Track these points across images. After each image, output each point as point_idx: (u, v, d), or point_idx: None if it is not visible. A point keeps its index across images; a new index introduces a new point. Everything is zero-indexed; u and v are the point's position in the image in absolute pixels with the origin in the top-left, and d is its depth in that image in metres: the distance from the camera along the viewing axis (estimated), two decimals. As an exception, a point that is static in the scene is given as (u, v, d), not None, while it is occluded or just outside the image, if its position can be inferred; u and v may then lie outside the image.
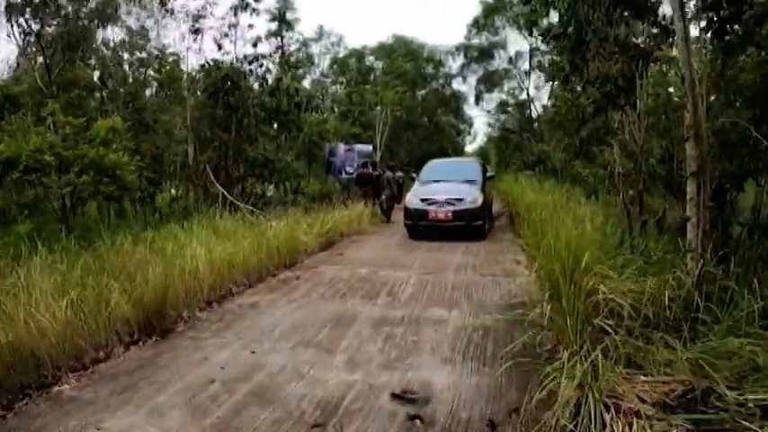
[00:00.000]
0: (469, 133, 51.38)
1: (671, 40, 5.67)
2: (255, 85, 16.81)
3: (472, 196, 11.55)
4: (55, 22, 16.50)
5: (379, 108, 23.96)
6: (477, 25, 33.22)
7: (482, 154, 54.11)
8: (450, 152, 42.76)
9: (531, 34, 8.42)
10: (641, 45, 5.49)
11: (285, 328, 5.60)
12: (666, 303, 4.16)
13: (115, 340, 5.29)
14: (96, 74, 19.40)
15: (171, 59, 19.21)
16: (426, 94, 38.81)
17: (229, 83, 15.41)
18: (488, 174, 13.98)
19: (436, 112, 38.43)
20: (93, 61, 19.18)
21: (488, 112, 38.93)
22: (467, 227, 11.31)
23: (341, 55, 39.20)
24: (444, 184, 12.36)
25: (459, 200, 11.46)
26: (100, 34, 20.05)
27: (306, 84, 38.26)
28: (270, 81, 17.16)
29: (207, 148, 15.50)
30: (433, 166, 14.51)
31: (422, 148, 35.89)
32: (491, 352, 4.66)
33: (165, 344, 5.38)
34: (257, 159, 14.87)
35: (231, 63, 16.61)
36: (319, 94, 37.67)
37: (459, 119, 44.56)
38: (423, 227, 11.76)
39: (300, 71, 37.87)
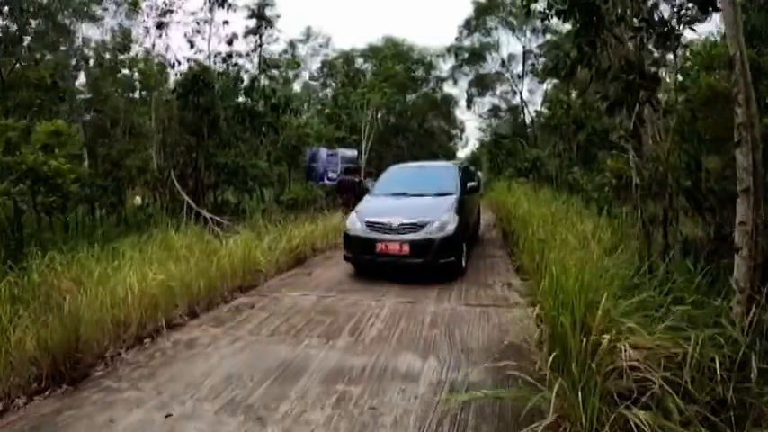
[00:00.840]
0: (461, 138, 50.40)
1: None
2: (230, 85, 15.68)
3: (441, 220, 8.00)
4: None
5: (365, 111, 22.80)
6: (469, 26, 32.19)
7: (474, 160, 53.14)
8: (441, 157, 41.72)
9: (528, 14, 6.83)
10: (671, 21, 4.32)
11: (217, 381, 4.42)
12: (716, 370, 3.01)
13: (19, 387, 4.31)
14: (81, 74, 18.50)
15: (157, 61, 17.96)
16: (417, 98, 37.71)
17: (200, 82, 14.27)
18: (472, 183, 10.47)
19: (427, 117, 37.30)
20: (74, 61, 18.06)
21: (480, 116, 37.93)
22: (432, 265, 7.83)
23: (329, 56, 38.15)
24: (405, 200, 9.03)
25: (422, 225, 7.91)
26: (81, 32, 19.07)
27: (296, 87, 37.21)
28: (246, 81, 16.04)
29: (175, 153, 14.36)
30: (395, 172, 10.89)
31: (411, 153, 34.70)
32: (473, 430, 3.47)
33: (74, 395, 4.29)
34: (228, 165, 13.68)
35: (202, 62, 15.51)
36: (308, 97, 36.60)
37: (450, 123, 43.51)
38: (369, 263, 8.35)
39: (291, 73, 36.82)
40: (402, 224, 7.97)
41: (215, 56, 15.76)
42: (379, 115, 22.81)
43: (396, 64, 33.83)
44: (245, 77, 17.05)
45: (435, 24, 68.09)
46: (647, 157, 4.66)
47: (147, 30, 15.20)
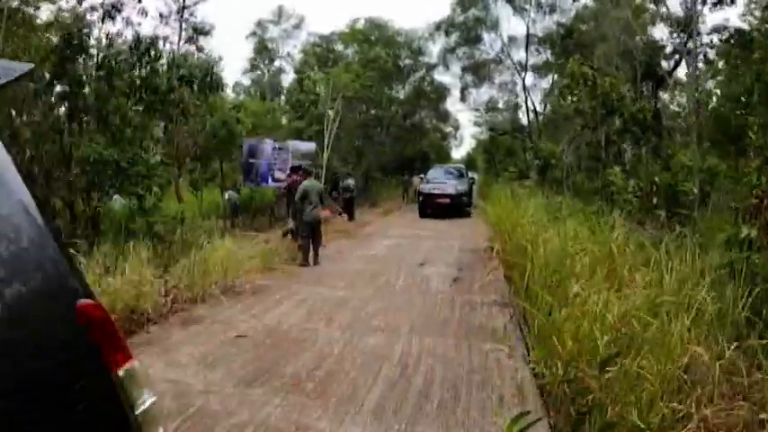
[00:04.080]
0: (455, 137, 45.63)
1: None
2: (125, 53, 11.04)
3: None
4: None
5: (328, 94, 18.13)
6: (463, 2, 27.21)
7: (469, 161, 48.45)
8: (432, 158, 37.35)
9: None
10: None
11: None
12: None
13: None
14: None
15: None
16: (407, 90, 32.67)
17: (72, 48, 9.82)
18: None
19: (415, 108, 32.38)
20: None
21: (476, 110, 33.06)
22: None
23: (301, 38, 33.42)
24: None
25: None
26: None
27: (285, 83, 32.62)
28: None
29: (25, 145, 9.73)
30: None
31: (395, 150, 29.96)
32: None
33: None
34: (96, 161, 8.95)
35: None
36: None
37: (442, 118, 38.65)
38: None
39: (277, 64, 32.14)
40: None
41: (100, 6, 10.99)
42: (341, 99, 17.97)
43: (381, 48, 28.97)
44: (163, 46, 12.46)
45: (425, 6, 61.76)
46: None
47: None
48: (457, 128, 44.04)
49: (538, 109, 29.33)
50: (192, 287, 6.49)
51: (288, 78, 33.63)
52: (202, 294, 6.47)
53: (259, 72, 34.82)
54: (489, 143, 37.67)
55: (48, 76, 10.13)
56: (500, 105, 32.25)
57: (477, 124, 34.30)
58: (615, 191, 10.14)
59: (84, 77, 10.19)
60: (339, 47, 32.20)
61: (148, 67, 10.79)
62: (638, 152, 13.53)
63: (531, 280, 5.08)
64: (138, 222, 9.00)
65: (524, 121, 30.49)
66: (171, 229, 9.25)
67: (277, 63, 34.48)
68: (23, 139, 9.35)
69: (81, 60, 10.27)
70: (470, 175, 20.58)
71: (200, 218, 14.53)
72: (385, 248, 11.06)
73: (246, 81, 35.09)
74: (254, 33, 32.86)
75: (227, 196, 15.18)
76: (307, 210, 9.22)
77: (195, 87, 11.57)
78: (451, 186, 17.86)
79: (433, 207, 17.28)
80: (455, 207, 17.25)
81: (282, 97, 30.79)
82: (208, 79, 11.62)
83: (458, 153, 52.69)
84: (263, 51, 32.36)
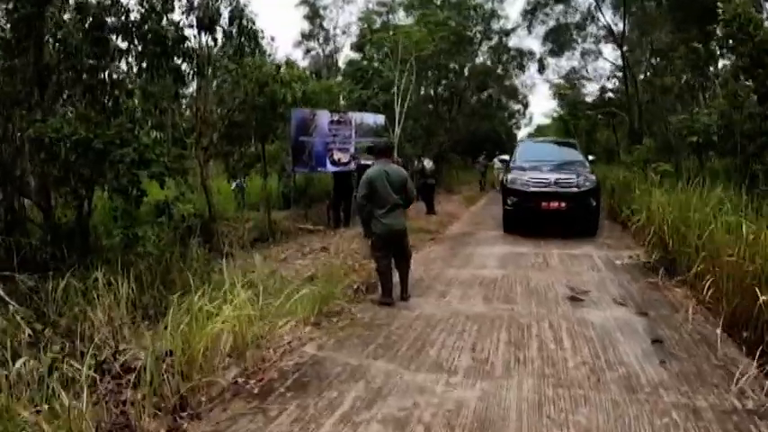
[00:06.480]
0: (524, 114, 41.46)
1: None
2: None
3: None
4: None
5: (397, 56, 14.57)
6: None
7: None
8: (502, 136, 33.79)
9: None
10: None
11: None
12: None
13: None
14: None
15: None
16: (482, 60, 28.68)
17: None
18: None
19: (487, 82, 28.32)
20: None
21: (556, 83, 28.83)
22: None
23: (358, 3, 30.16)
24: None
25: None
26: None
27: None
28: None
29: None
30: None
31: (468, 129, 26.15)
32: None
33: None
34: (54, 142, 5.79)
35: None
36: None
37: (512, 97, 34.53)
38: None
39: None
40: None
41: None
42: (413, 62, 14.41)
43: (448, 12, 25.10)
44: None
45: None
46: None
47: None
48: (526, 105, 40.02)
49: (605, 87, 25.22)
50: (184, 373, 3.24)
51: (346, 55, 30.62)
52: (197, 393, 3.21)
53: (314, 52, 31.86)
54: (569, 121, 33.28)
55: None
56: (585, 75, 28.04)
57: (560, 95, 29.87)
58: None
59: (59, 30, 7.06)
60: (401, 15, 28.47)
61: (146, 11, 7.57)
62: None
63: None
64: (115, 235, 5.75)
65: (609, 95, 26.13)
66: (170, 242, 6.00)
67: (332, 42, 31.60)
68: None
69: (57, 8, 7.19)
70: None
71: (246, 211, 11.49)
72: (496, 262, 7.43)
73: (298, 54, 32.22)
74: (304, 1, 29.67)
75: (233, 185, 12.51)
76: (377, 214, 5.39)
77: (218, 37, 8.33)
78: (570, 177, 9.42)
79: (532, 216, 9.52)
80: (576, 214, 9.32)
81: (339, 77, 27.60)
82: (236, 27, 8.32)
83: (523, 132, 48.12)
84: (315, 18, 29.17)
